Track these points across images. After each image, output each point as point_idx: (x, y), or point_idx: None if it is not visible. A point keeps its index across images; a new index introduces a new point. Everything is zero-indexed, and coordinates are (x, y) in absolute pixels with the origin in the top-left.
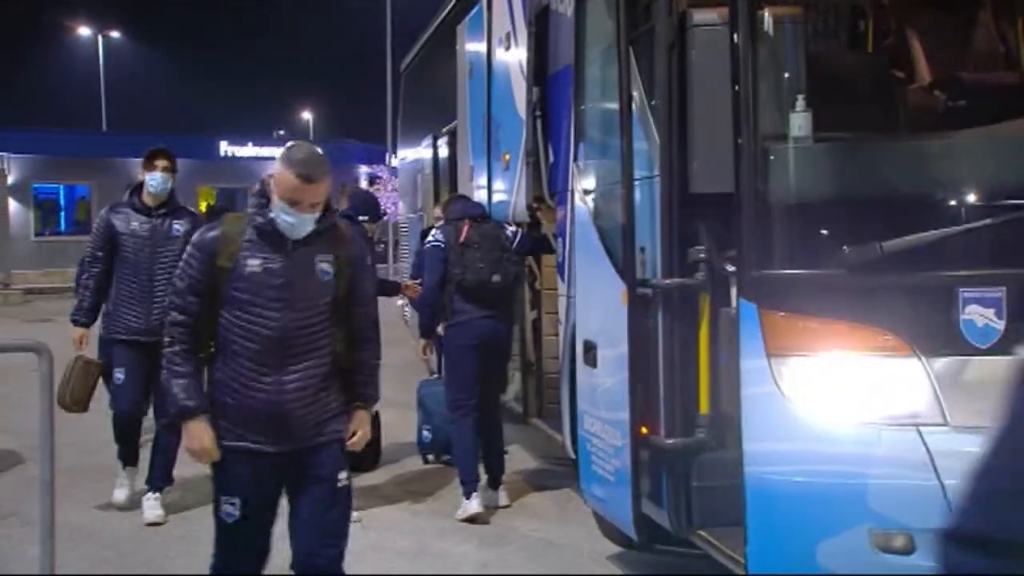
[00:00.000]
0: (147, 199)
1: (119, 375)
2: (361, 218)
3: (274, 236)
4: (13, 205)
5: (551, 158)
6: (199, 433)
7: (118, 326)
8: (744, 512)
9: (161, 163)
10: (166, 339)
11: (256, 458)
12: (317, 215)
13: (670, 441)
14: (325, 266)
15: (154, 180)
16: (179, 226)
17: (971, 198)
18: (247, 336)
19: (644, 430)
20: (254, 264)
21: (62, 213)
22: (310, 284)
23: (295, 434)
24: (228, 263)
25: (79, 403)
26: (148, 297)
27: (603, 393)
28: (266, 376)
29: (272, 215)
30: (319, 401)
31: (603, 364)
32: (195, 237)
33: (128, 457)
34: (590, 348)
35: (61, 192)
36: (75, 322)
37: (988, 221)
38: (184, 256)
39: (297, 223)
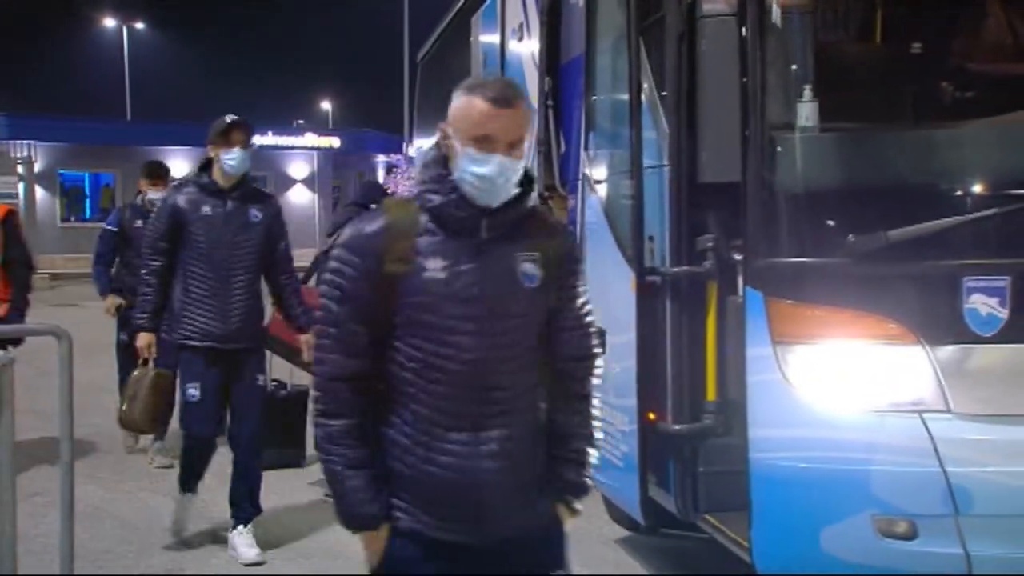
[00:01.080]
0: (220, 179)
1: (193, 391)
2: (371, 205)
3: (458, 222)
4: (39, 192)
5: (562, 147)
6: (378, 544)
7: (190, 329)
8: (749, 497)
9: (239, 137)
10: (320, 406)
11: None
12: (520, 168)
13: (677, 427)
14: (529, 267)
15: (232, 158)
16: (257, 212)
17: (976, 188)
18: (427, 375)
19: (652, 416)
20: (435, 267)
21: (87, 200)
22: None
23: (498, 517)
24: (401, 267)
25: (150, 425)
26: (225, 295)
27: (612, 379)
28: (455, 433)
29: (456, 177)
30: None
31: (612, 350)
32: (342, 238)
33: (192, 484)
34: (600, 335)
35: (86, 179)
36: (141, 327)
37: (993, 211)
38: (328, 270)
39: (494, 174)
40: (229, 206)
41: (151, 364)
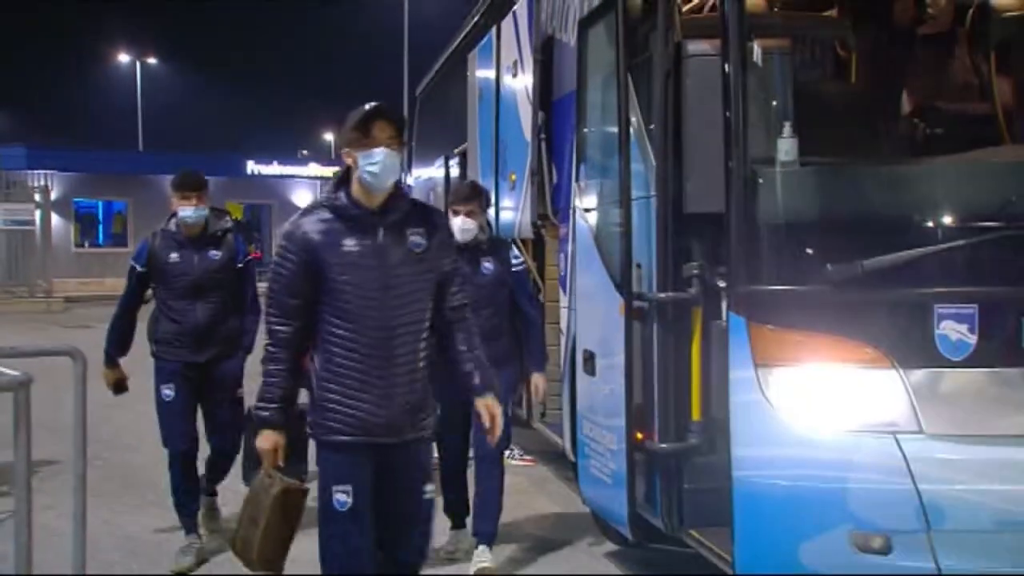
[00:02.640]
0: (363, 196)
1: (343, 496)
2: None
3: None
4: (55, 219)
5: (554, 178)
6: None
7: (338, 419)
8: (732, 513)
9: (384, 131)
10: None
11: None
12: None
13: (663, 446)
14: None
15: (374, 163)
16: (419, 238)
17: (946, 220)
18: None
19: (639, 435)
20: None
21: (100, 226)
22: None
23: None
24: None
25: (278, 557)
26: (387, 367)
27: (601, 400)
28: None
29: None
30: None
31: (601, 372)
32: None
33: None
34: (589, 357)
35: (100, 207)
36: (267, 422)
37: (962, 242)
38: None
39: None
40: (381, 236)
41: (277, 475)
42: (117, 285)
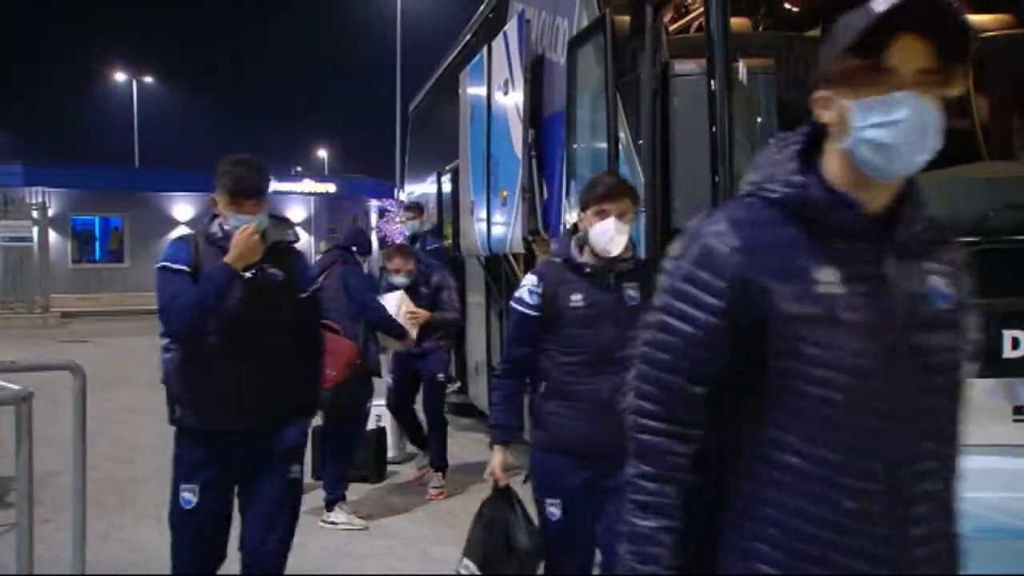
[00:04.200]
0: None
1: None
2: (353, 248)
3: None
4: (52, 235)
5: (545, 194)
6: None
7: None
8: None
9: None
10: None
11: None
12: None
13: None
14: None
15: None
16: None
17: None
18: None
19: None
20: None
21: (97, 243)
22: None
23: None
24: None
25: None
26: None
27: None
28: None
29: None
30: None
31: None
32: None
33: None
34: None
35: (96, 223)
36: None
37: None
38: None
39: None
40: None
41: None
42: (114, 301)
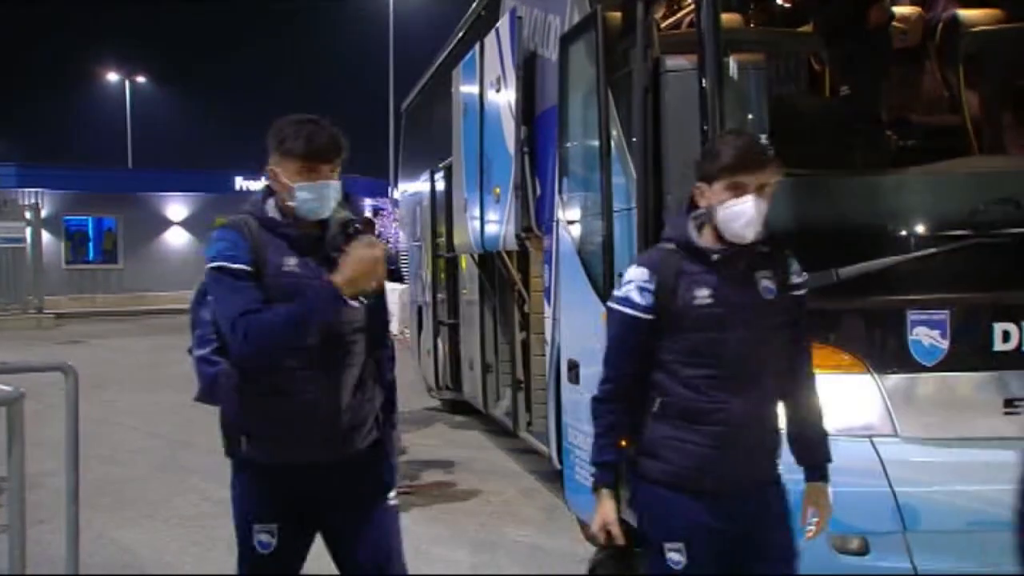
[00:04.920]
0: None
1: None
2: None
3: None
4: (46, 236)
5: (538, 191)
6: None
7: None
8: None
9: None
10: None
11: None
12: None
13: None
14: None
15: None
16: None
17: (919, 229)
18: None
19: (624, 443)
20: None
21: (90, 244)
22: None
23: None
24: None
25: None
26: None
27: (586, 408)
28: None
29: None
30: None
31: (585, 381)
32: None
33: None
34: (573, 366)
35: (90, 224)
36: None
37: (934, 250)
38: None
39: None
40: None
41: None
42: (108, 301)
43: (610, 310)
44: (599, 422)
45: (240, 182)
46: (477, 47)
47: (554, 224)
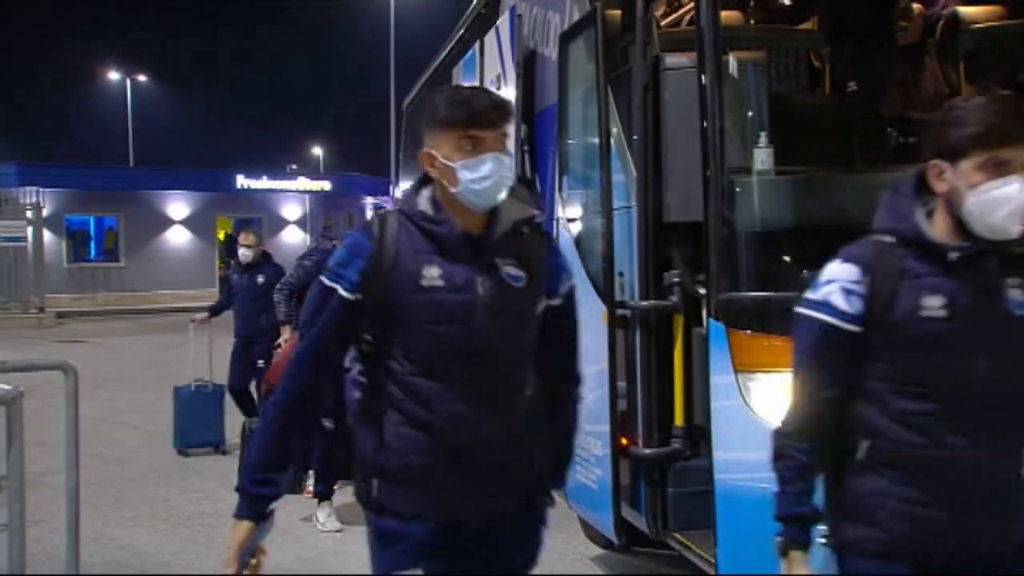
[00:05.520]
0: None
1: None
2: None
3: None
4: (47, 235)
5: (538, 189)
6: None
7: None
8: (714, 516)
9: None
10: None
11: None
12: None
13: (647, 451)
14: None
15: None
16: None
17: None
18: None
19: (624, 441)
20: None
21: (92, 242)
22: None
23: None
24: None
25: None
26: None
27: (585, 407)
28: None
29: None
30: None
31: (585, 380)
32: None
33: None
34: None
35: (91, 223)
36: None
37: None
38: None
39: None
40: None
41: None
42: (109, 300)
43: (800, 317)
44: (785, 463)
45: (242, 181)
46: (477, 45)
47: (554, 222)
